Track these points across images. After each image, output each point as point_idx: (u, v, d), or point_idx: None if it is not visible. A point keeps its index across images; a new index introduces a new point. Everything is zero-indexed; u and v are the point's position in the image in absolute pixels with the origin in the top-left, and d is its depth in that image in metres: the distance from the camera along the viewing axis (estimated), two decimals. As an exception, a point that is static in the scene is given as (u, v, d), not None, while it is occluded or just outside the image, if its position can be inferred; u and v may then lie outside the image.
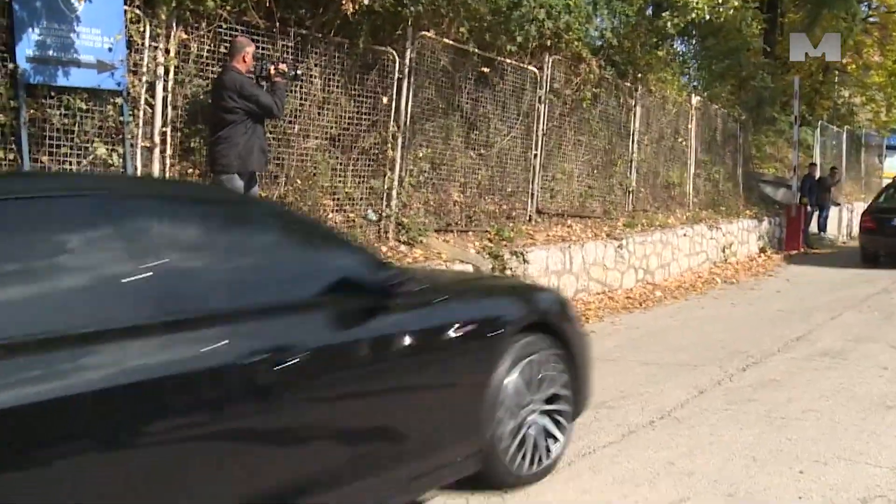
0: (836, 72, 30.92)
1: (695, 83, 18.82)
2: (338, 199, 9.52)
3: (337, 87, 9.44)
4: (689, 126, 17.34)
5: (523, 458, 4.83)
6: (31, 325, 2.96)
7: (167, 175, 7.77)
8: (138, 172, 7.44)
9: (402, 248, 9.97)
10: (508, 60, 11.89)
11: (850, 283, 14.40)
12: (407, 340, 4.24)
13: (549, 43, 12.52)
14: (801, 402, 6.74)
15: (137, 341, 3.17)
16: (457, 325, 4.55)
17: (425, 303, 4.51)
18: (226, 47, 8.03)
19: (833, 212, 23.34)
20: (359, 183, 9.82)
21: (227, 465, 3.35)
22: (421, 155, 10.55)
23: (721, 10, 15.84)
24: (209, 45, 8.12)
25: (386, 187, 9.99)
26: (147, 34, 7.55)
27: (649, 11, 16.73)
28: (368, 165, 9.95)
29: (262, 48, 8.39)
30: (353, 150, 9.75)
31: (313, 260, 4.37)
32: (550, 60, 12.64)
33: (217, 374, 3.32)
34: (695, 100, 17.55)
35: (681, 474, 5.14)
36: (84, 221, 3.37)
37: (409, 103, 10.22)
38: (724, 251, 16.85)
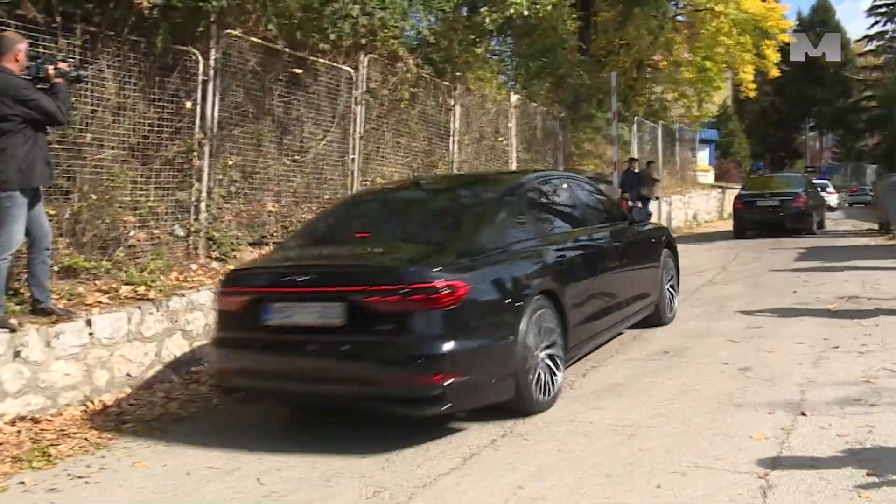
0: (649, 69, 31.63)
1: (513, 82, 18.73)
2: (140, 214, 8.66)
3: (134, 90, 8.58)
4: (509, 125, 17.17)
5: (668, 310, 9.86)
6: (588, 223, 8.32)
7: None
8: None
9: (214, 264, 9.23)
10: (322, 60, 11.29)
11: (676, 276, 14.35)
12: (636, 242, 9.17)
13: (364, 41, 12.03)
14: (648, 406, 6.39)
15: (596, 232, 8.35)
16: (650, 238, 9.80)
17: (640, 227, 9.51)
18: (-3, 46, 7.02)
19: (652, 206, 23.64)
20: (163, 196, 8.99)
21: (614, 282, 8.23)
22: (231, 163, 9.80)
23: (538, 6, 15.64)
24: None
25: (193, 200, 9.21)
26: None
27: (465, 11, 16.35)
28: (173, 176, 9.12)
29: (43, 47, 7.48)
30: (155, 161, 8.90)
31: (602, 206, 9.11)
32: (366, 59, 12.10)
33: (608, 247, 8.37)
34: (514, 98, 17.40)
35: (531, 500, 4.69)
36: (578, 188, 8.85)
37: (216, 108, 9.47)
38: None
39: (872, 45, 67.30)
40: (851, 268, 14.14)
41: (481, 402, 6.05)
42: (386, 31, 12.14)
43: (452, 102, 14.71)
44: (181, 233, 9.12)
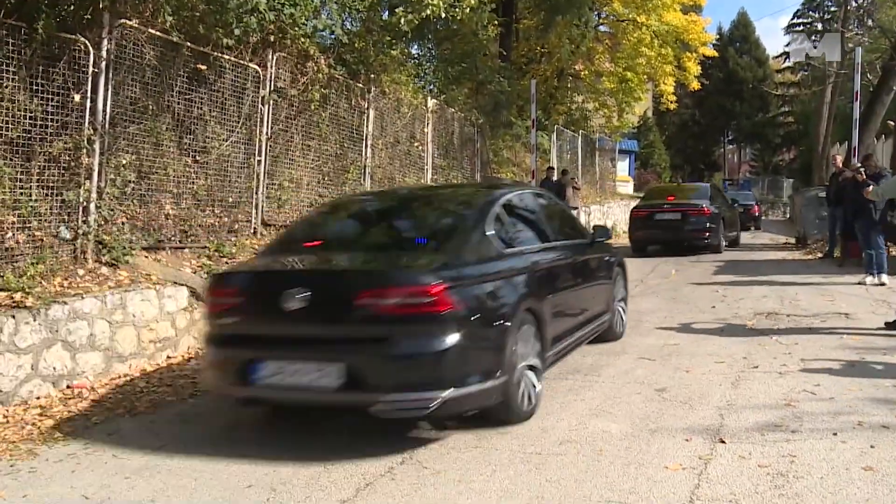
0: (570, 78, 31.56)
1: (431, 86, 18.27)
2: (21, 214, 7.97)
3: (13, 80, 7.91)
4: (426, 130, 16.72)
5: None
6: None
7: None
8: None
9: (104, 269, 8.59)
10: (227, 56, 10.72)
11: (593, 288, 14.01)
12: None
13: (272, 38, 11.50)
14: (559, 431, 5.95)
15: None
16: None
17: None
18: None
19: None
20: (47, 195, 8.33)
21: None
22: (125, 162, 9.17)
23: (457, 9, 15.21)
24: None
25: (82, 200, 8.56)
26: None
27: (385, 15, 15.88)
28: (60, 174, 8.46)
29: None
30: (38, 157, 8.24)
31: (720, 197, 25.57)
32: (275, 58, 11.56)
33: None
34: (431, 103, 16.93)
35: (425, 539, 4.19)
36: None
37: (108, 102, 8.84)
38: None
39: (790, 62, 68.23)
40: (769, 282, 13.98)
41: None
42: (296, 28, 11.62)
43: (366, 105, 14.21)
44: (68, 235, 8.47)
